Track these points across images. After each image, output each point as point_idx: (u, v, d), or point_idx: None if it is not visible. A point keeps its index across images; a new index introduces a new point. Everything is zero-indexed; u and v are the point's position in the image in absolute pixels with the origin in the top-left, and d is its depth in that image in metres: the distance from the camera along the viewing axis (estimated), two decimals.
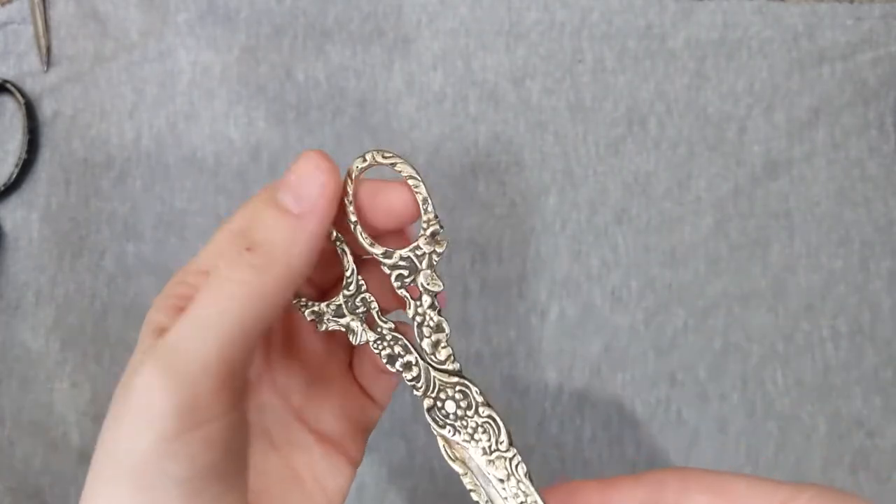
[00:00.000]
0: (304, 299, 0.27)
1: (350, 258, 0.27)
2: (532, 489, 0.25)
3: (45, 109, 0.43)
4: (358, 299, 0.27)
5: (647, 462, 0.40)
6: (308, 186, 0.23)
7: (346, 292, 0.27)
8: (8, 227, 0.43)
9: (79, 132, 0.43)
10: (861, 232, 0.41)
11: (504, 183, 0.42)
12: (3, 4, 0.44)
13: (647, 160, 0.42)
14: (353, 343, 0.27)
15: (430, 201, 0.26)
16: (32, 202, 0.43)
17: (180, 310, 0.23)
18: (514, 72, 0.43)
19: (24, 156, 0.42)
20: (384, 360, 0.26)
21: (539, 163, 0.42)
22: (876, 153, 0.42)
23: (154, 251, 0.42)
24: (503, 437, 0.25)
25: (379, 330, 0.27)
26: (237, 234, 0.24)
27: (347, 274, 0.27)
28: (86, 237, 0.42)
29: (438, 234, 0.26)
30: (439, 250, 0.26)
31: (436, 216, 0.26)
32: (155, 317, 0.24)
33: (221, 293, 0.22)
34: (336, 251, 0.27)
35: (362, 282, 0.27)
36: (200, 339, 0.22)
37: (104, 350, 0.41)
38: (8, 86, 0.43)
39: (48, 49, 0.44)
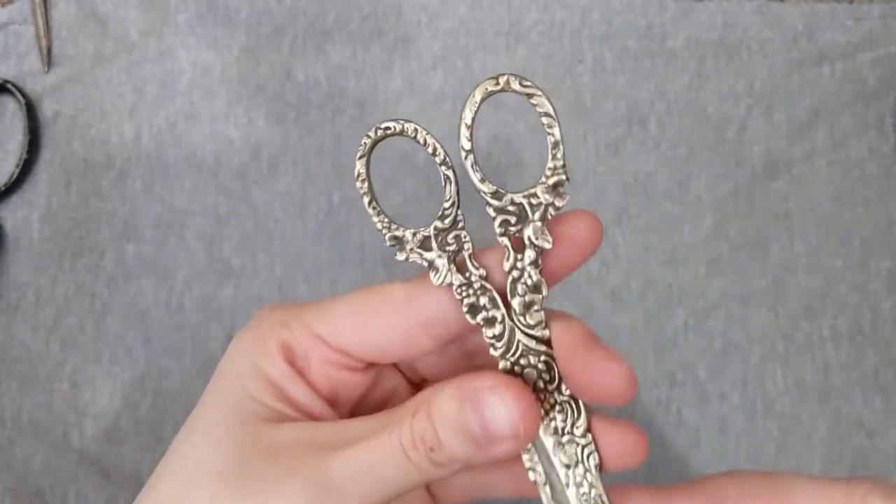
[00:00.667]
0: (385, 218, 0.25)
1: (454, 186, 0.24)
2: (599, 483, 0.24)
3: (46, 110, 0.43)
4: (451, 235, 0.24)
5: (646, 464, 0.40)
6: (501, 430, 0.22)
7: (439, 224, 0.24)
8: (8, 227, 0.43)
9: (79, 132, 0.43)
10: (861, 232, 0.41)
11: (504, 183, 0.42)
12: (3, 5, 0.44)
13: (647, 160, 0.42)
14: (434, 282, 0.24)
15: (561, 146, 0.23)
16: (33, 202, 0.43)
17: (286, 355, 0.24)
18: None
19: (24, 156, 0.42)
20: (465, 310, 0.23)
21: (539, 163, 0.42)
22: (876, 153, 0.42)
23: (154, 251, 0.42)
24: (581, 421, 0.23)
25: (468, 275, 0.24)
26: (431, 434, 0.23)
27: (447, 204, 0.24)
28: (86, 237, 0.42)
29: (562, 185, 0.23)
30: (558, 204, 0.23)
31: (564, 165, 0.23)
32: (261, 356, 0.24)
33: (393, 461, 0.22)
34: None
35: (461, 217, 0.24)
36: (359, 489, 0.22)
37: (104, 350, 0.41)
38: (8, 86, 0.43)
39: (49, 49, 0.44)
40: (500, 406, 0.22)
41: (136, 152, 0.43)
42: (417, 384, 0.29)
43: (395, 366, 0.27)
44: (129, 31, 0.44)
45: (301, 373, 0.25)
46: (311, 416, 0.25)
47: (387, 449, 0.22)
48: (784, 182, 0.42)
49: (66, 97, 0.43)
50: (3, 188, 0.42)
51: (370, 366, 0.26)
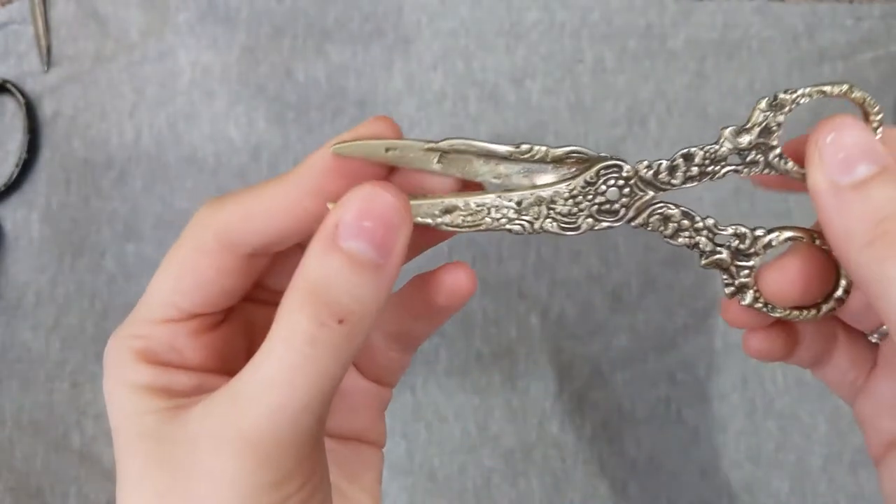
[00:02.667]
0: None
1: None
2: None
3: (46, 109, 0.43)
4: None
5: (647, 461, 0.40)
6: (388, 234, 0.20)
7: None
8: (8, 227, 0.43)
9: (79, 132, 0.43)
10: None
11: None
12: (3, 5, 0.44)
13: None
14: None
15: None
16: (33, 202, 0.43)
17: (150, 361, 0.23)
18: (514, 72, 0.43)
19: (24, 156, 0.42)
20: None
21: None
22: None
23: (154, 251, 0.42)
24: None
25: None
26: (321, 306, 0.20)
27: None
28: (86, 237, 0.42)
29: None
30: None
31: None
32: (131, 373, 0.23)
33: (314, 370, 0.20)
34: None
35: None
36: (289, 424, 0.20)
37: (104, 350, 0.41)
38: (8, 86, 0.43)
39: (48, 49, 0.44)
40: (372, 201, 0.20)
41: (136, 152, 0.43)
42: None
43: (252, 301, 0.26)
44: (129, 30, 0.44)
45: (178, 364, 0.23)
46: (210, 387, 0.23)
47: (293, 366, 0.20)
48: None
49: (66, 97, 0.43)
50: (2, 188, 0.42)
51: (229, 311, 0.25)
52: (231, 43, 0.44)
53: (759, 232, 0.24)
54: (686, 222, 0.25)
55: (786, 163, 0.23)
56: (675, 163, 0.24)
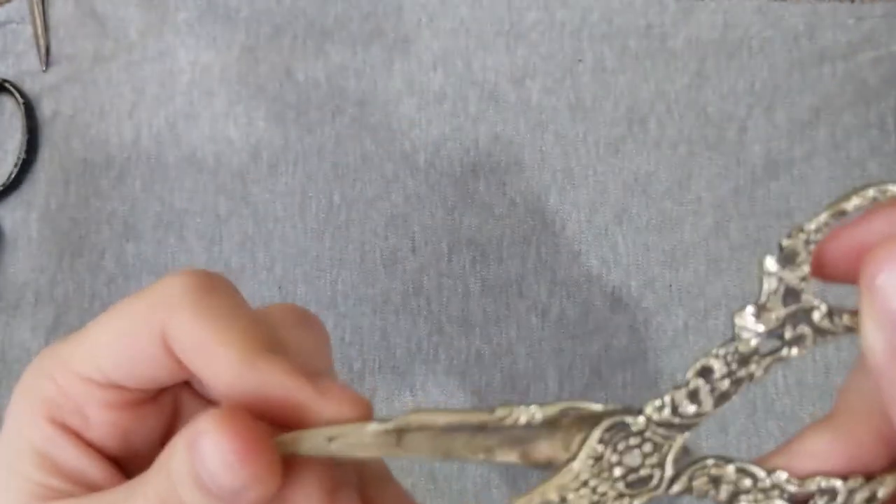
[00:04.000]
0: None
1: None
2: None
3: (45, 109, 0.43)
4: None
5: None
6: (224, 479, 0.18)
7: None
8: (7, 227, 0.43)
9: (78, 132, 0.43)
10: None
11: (504, 183, 0.42)
12: (1, 4, 0.44)
13: (648, 160, 0.42)
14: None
15: None
16: (32, 202, 0.43)
17: (55, 423, 0.20)
18: (514, 72, 0.43)
19: (23, 156, 0.42)
20: None
21: (539, 163, 0.42)
22: (877, 153, 0.42)
23: (154, 251, 0.42)
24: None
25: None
26: (173, 497, 0.19)
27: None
28: (86, 237, 0.42)
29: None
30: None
31: None
32: (31, 430, 0.20)
33: None
34: None
35: None
36: None
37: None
38: (7, 85, 0.43)
39: (47, 49, 0.43)
40: (212, 450, 0.17)
41: (136, 152, 0.43)
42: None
43: (190, 389, 0.23)
44: (128, 30, 0.44)
45: (76, 432, 0.20)
46: (90, 483, 0.20)
47: None
48: (785, 182, 0.42)
49: (65, 96, 0.43)
50: (1, 188, 0.42)
51: (160, 393, 0.22)
52: (231, 43, 0.43)
53: (852, 483, 0.18)
54: (747, 482, 0.19)
55: (840, 318, 0.18)
56: (693, 387, 0.19)
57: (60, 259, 0.42)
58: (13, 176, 0.42)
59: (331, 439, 0.18)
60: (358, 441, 0.18)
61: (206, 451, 0.17)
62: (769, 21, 0.43)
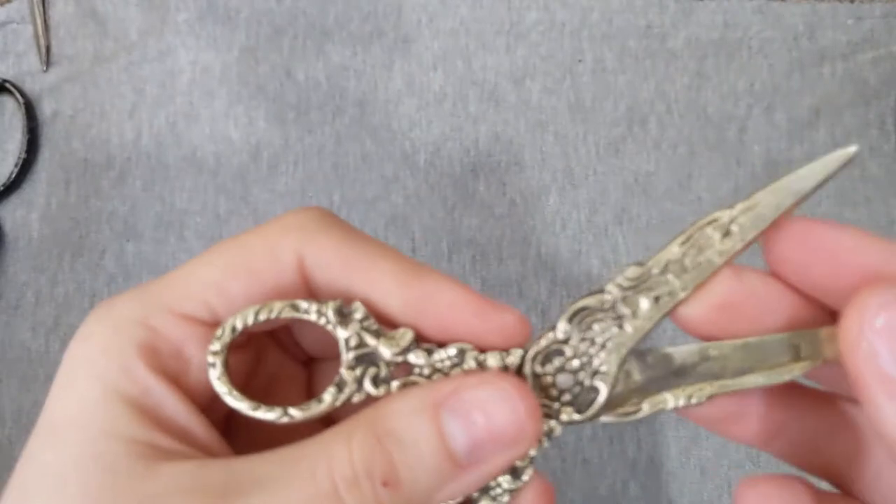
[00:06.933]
0: None
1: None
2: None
3: (45, 109, 0.43)
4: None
5: (647, 461, 0.40)
6: (491, 445, 0.17)
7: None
8: (8, 226, 0.43)
9: (78, 132, 0.43)
10: None
11: (504, 183, 0.42)
12: (2, 4, 0.44)
13: (648, 160, 0.42)
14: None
15: None
16: (32, 202, 0.43)
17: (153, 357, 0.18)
18: (514, 72, 0.43)
19: (23, 155, 0.42)
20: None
21: (539, 163, 0.42)
22: (876, 153, 0.42)
23: (154, 251, 0.42)
24: None
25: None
26: (376, 455, 0.17)
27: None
28: (86, 237, 0.42)
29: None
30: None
31: None
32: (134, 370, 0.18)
33: None
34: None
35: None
36: None
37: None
38: (7, 85, 0.43)
39: (48, 49, 0.44)
40: (501, 403, 0.17)
41: (136, 152, 0.43)
42: (305, 363, 0.23)
43: (274, 340, 0.22)
44: (128, 30, 0.44)
45: (176, 377, 0.19)
46: (197, 443, 0.18)
47: (310, 492, 0.16)
48: None
49: (66, 97, 0.43)
50: (2, 188, 0.42)
51: (248, 340, 0.20)
52: (231, 43, 0.43)
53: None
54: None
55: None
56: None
57: (61, 259, 0.42)
58: (14, 176, 0.42)
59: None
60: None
61: (485, 400, 0.17)
62: (769, 21, 0.43)
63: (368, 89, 0.43)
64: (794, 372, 0.19)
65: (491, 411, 0.17)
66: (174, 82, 0.43)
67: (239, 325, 0.19)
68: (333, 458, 0.17)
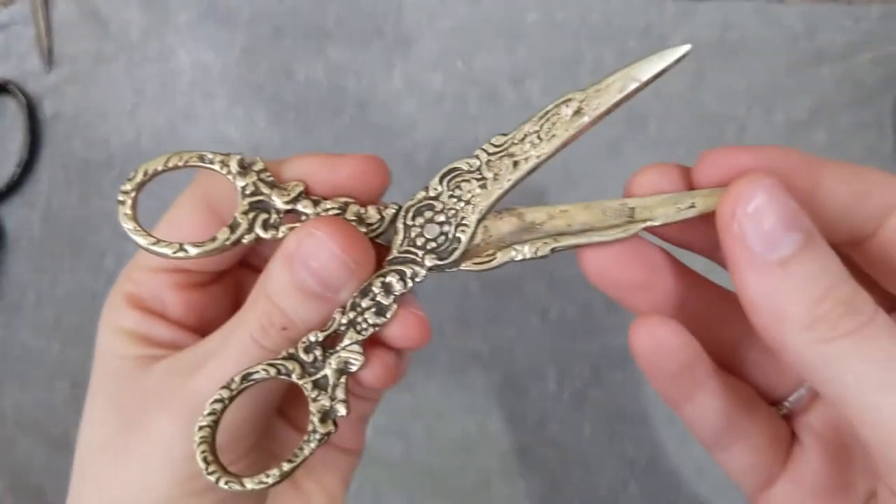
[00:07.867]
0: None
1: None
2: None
3: (47, 110, 0.43)
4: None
5: (646, 461, 0.40)
6: (332, 274, 0.21)
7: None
8: (9, 226, 0.43)
9: (80, 132, 0.43)
10: None
11: None
12: (4, 5, 0.44)
13: (647, 160, 0.42)
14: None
15: None
16: (33, 202, 0.43)
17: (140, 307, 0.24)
18: (514, 72, 0.43)
19: (25, 156, 0.42)
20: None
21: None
22: (874, 153, 0.42)
23: None
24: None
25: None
26: (272, 310, 0.22)
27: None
28: (86, 237, 0.42)
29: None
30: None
31: None
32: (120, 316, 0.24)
33: (251, 359, 0.22)
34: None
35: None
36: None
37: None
38: (9, 86, 0.43)
39: (49, 50, 0.44)
40: (319, 247, 0.21)
41: (136, 152, 0.43)
42: None
43: (252, 270, 0.27)
44: (129, 31, 0.44)
45: (159, 313, 0.25)
46: (178, 346, 0.24)
47: (241, 349, 0.22)
48: None
49: (67, 97, 0.43)
50: (3, 188, 0.42)
51: (222, 274, 0.26)
52: (231, 43, 0.44)
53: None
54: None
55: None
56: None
57: (61, 259, 0.42)
58: (15, 176, 0.42)
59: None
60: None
61: (309, 249, 0.21)
62: (768, 22, 0.43)
63: (368, 89, 0.43)
64: (629, 230, 0.23)
65: (317, 256, 0.21)
66: (174, 82, 0.43)
67: (150, 170, 0.23)
68: (248, 322, 0.22)
